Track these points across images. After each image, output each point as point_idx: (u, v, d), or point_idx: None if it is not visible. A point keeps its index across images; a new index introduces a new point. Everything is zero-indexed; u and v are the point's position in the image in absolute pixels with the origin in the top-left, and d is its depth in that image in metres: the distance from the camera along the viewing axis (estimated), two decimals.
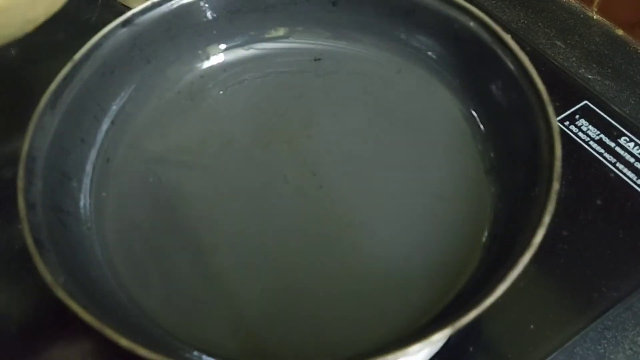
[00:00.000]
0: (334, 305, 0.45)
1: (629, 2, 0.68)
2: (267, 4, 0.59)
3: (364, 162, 0.52)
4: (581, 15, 0.72)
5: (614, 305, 0.48)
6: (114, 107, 0.55)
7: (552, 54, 0.68)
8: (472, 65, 0.54)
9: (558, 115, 0.59)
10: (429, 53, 0.58)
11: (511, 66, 0.49)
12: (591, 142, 0.58)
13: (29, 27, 0.36)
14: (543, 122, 0.46)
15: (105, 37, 0.52)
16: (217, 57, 0.60)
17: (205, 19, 0.58)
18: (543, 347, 0.46)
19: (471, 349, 0.47)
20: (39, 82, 0.49)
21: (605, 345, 0.49)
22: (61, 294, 0.38)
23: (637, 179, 0.55)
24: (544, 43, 0.70)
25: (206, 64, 0.60)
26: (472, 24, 0.53)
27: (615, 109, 0.60)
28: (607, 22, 0.71)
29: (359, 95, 0.56)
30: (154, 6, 0.54)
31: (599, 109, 0.60)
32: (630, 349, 0.48)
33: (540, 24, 0.72)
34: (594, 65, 0.67)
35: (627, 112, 0.61)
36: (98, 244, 0.47)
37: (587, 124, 0.59)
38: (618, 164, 0.56)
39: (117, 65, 0.53)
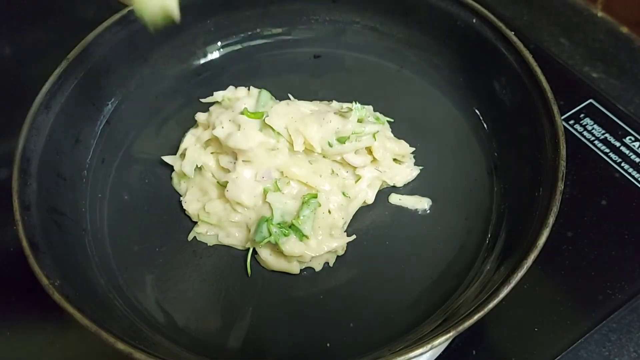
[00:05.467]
0: (336, 308, 0.45)
1: (633, 0, 0.67)
2: (267, 1, 0.58)
3: None
4: (585, 13, 0.71)
5: (619, 308, 0.48)
6: (109, 107, 0.54)
7: (556, 52, 0.67)
8: (474, 62, 0.54)
9: (563, 114, 0.58)
10: (431, 50, 0.57)
11: (514, 64, 0.49)
12: (596, 142, 0.57)
13: None
14: (547, 121, 0.45)
15: (100, 35, 0.51)
16: (215, 55, 0.59)
17: (202, 16, 0.57)
18: (547, 350, 0.46)
19: (474, 352, 0.46)
20: (34, 81, 0.48)
21: (610, 347, 0.48)
22: (57, 297, 0.38)
23: None
24: (547, 41, 0.69)
25: (203, 62, 0.59)
26: (474, 20, 0.52)
27: (621, 107, 0.59)
28: (612, 20, 0.70)
29: (359, 93, 0.55)
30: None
31: (604, 108, 0.59)
32: (635, 351, 0.48)
33: (544, 21, 0.71)
34: (599, 63, 0.66)
35: (632, 111, 0.60)
36: (93, 246, 0.47)
37: (592, 123, 0.58)
38: (623, 164, 0.55)
39: (112, 64, 0.53)
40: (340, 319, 0.44)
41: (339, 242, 0.46)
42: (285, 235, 0.44)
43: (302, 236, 0.45)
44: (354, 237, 0.47)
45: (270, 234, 0.44)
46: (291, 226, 0.45)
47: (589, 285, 0.48)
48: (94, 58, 0.51)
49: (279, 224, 0.45)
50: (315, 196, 0.45)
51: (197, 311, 0.44)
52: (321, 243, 0.45)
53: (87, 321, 0.36)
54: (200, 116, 0.51)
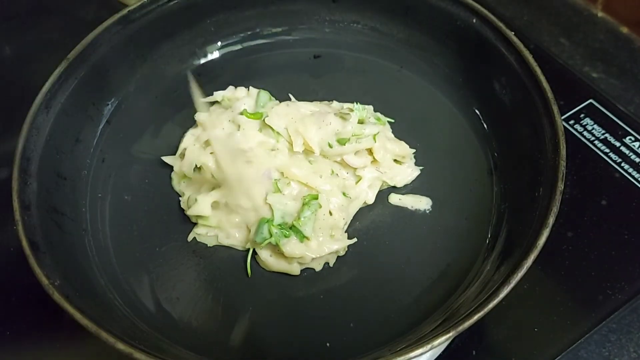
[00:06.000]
0: (336, 308, 0.45)
1: (633, 0, 0.67)
2: (267, 1, 0.58)
3: None
4: (585, 13, 0.71)
5: (619, 308, 0.48)
6: (110, 106, 0.54)
7: (556, 52, 0.67)
8: (474, 62, 0.54)
9: (563, 114, 0.58)
10: (431, 50, 0.57)
11: (514, 64, 0.49)
12: (596, 142, 0.57)
13: None
14: (547, 121, 0.45)
15: (100, 35, 0.51)
16: (215, 55, 0.59)
17: (202, 16, 0.57)
18: (547, 350, 0.46)
19: (474, 352, 0.46)
20: (34, 81, 0.48)
21: (610, 348, 0.48)
22: (57, 297, 0.38)
23: None
24: (547, 41, 0.69)
25: (203, 62, 0.59)
26: (474, 20, 0.52)
27: (621, 108, 0.59)
28: (612, 20, 0.70)
29: (359, 93, 0.55)
30: (150, 3, 0.53)
31: (604, 108, 0.59)
32: (635, 352, 0.48)
33: (544, 21, 0.71)
34: (599, 63, 0.66)
35: (632, 111, 0.60)
36: (93, 246, 0.47)
37: (592, 123, 0.58)
38: (623, 164, 0.56)
39: (112, 64, 0.53)
40: (340, 319, 0.44)
41: (339, 245, 0.46)
42: (285, 236, 0.44)
43: (302, 237, 0.45)
44: (355, 240, 0.47)
45: (271, 235, 0.44)
46: (292, 227, 0.45)
47: (589, 285, 0.49)
48: (94, 58, 0.51)
49: (279, 225, 0.45)
50: (316, 197, 0.45)
51: (197, 311, 0.44)
52: (322, 244, 0.45)
53: (87, 321, 0.36)
54: (200, 116, 0.51)
